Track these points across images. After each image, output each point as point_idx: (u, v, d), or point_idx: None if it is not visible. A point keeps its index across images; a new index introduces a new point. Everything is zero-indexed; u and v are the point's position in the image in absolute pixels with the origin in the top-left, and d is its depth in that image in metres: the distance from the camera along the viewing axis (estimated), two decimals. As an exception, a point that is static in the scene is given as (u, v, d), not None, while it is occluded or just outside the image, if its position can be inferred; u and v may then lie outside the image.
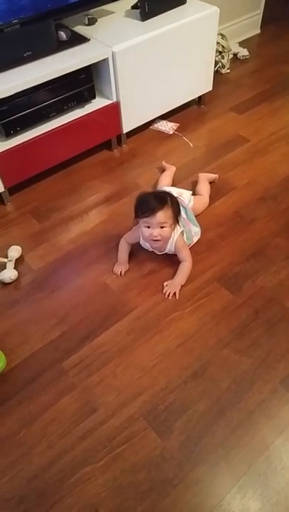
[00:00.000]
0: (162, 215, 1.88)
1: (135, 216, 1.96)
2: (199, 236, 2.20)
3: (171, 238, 2.02)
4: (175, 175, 2.55)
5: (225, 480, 1.48)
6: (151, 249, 2.13)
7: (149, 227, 1.93)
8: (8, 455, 1.58)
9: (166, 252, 2.11)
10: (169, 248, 2.07)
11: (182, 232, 2.05)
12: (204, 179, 2.46)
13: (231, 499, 1.44)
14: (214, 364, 1.77)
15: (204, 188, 2.40)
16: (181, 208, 2.07)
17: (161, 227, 1.91)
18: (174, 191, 2.20)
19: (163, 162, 2.63)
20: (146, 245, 2.12)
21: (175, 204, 1.94)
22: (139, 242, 2.14)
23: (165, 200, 1.90)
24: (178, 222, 2.00)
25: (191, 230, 2.12)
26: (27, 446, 1.59)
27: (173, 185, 2.44)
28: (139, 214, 1.92)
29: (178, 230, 2.02)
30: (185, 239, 2.08)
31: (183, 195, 2.21)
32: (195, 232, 2.16)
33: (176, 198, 1.99)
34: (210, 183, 2.47)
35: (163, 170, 2.60)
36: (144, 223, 1.93)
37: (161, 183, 2.44)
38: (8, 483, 1.51)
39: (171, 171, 2.55)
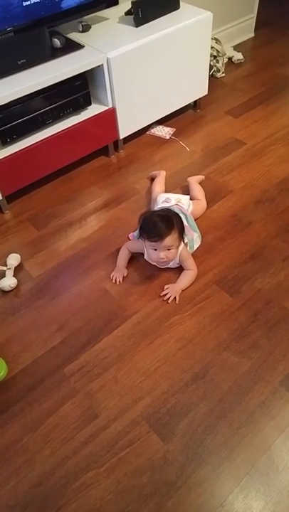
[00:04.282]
0: (169, 240, 1.90)
1: (140, 236, 1.98)
2: (199, 243, 2.20)
3: (177, 252, 2.03)
4: (173, 179, 2.57)
5: (227, 480, 1.49)
6: (154, 263, 2.14)
7: (155, 249, 1.95)
8: (12, 462, 1.58)
9: (170, 266, 2.11)
10: (173, 263, 2.07)
11: (186, 245, 2.06)
12: (195, 183, 2.47)
13: (234, 499, 1.45)
14: (215, 366, 1.78)
15: (199, 192, 2.41)
16: (182, 214, 2.09)
17: (168, 250, 1.94)
18: (173, 198, 2.22)
19: (151, 172, 2.65)
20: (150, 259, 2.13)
21: (179, 223, 1.96)
22: (143, 255, 2.14)
23: (171, 223, 1.90)
24: (183, 239, 2.02)
25: (193, 238, 2.13)
26: (30, 453, 1.60)
27: (169, 190, 2.46)
28: (145, 237, 1.94)
29: (182, 244, 2.03)
30: (188, 248, 2.09)
31: (182, 201, 2.21)
32: (194, 238, 2.16)
33: (179, 216, 1.99)
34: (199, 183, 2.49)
35: (152, 178, 2.61)
36: (151, 246, 1.95)
37: (155, 190, 2.44)
38: (12, 490, 1.52)
39: (161, 176, 2.55)
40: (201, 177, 2.54)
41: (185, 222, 2.07)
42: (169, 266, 2.11)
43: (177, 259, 2.05)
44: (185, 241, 2.06)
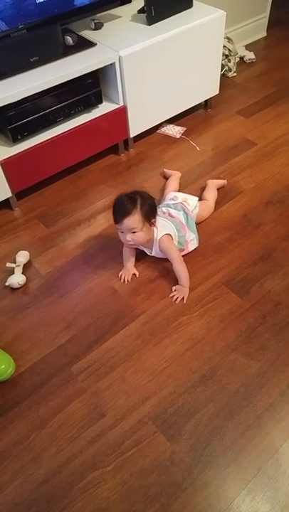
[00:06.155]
0: (129, 222, 1.86)
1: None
2: (196, 245, 2.18)
3: (154, 240, 2.01)
4: (182, 179, 2.55)
5: (234, 483, 1.49)
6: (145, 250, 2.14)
7: (122, 232, 1.93)
8: (18, 459, 1.58)
9: (153, 254, 2.10)
10: (155, 251, 2.06)
11: (168, 235, 2.02)
12: (212, 185, 2.45)
13: (241, 502, 1.44)
14: (223, 368, 1.77)
15: (211, 194, 2.39)
16: (183, 214, 2.10)
17: (133, 232, 1.90)
18: (180, 196, 2.21)
19: (164, 169, 2.64)
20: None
21: (146, 205, 1.89)
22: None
23: (133, 205, 1.86)
24: (152, 222, 1.95)
25: (185, 236, 2.11)
26: (37, 451, 1.60)
27: (180, 189, 2.44)
28: (114, 220, 1.93)
29: (158, 231, 2.00)
30: (176, 243, 2.06)
31: (188, 201, 2.20)
32: (191, 239, 2.14)
33: (149, 198, 1.93)
34: (218, 189, 2.46)
35: (165, 176, 2.61)
36: (118, 229, 1.94)
37: (168, 188, 2.42)
38: (18, 488, 1.52)
39: (176, 176, 2.54)
40: (222, 181, 2.51)
41: (183, 221, 2.09)
42: (153, 254, 2.10)
43: (157, 247, 2.03)
44: (164, 231, 2.00)
